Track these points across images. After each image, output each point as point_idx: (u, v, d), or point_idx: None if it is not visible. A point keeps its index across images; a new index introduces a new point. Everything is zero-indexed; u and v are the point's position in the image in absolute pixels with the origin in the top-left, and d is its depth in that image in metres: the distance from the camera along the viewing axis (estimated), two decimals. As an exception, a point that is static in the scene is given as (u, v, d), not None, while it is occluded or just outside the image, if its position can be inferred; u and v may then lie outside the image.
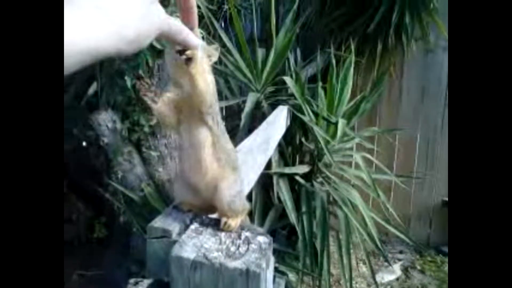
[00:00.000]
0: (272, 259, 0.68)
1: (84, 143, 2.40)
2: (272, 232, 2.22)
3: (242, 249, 0.63)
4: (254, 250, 0.63)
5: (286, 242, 2.27)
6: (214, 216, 0.74)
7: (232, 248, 0.63)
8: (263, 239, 0.66)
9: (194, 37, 0.57)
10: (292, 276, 2.34)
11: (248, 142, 1.26)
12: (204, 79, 0.65)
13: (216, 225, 0.70)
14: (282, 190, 2.11)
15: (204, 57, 0.64)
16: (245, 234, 0.67)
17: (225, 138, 0.73)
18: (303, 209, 2.17)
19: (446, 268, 2.86)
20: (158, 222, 0.68)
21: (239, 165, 0.79)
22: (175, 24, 0.53)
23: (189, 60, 0.61)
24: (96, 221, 2.80)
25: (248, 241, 0.65)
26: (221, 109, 2.33)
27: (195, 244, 0.63)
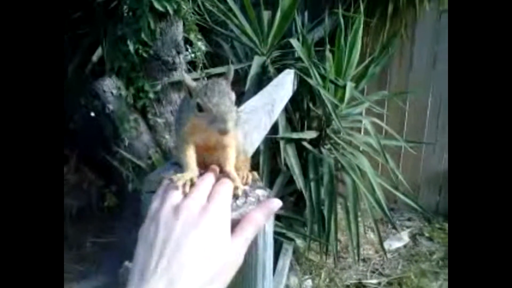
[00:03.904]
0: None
1: (92, 113, 2.39)
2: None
3: (240, 201, 0.61)
4: (251, 203, 0.61)
5: (294, 209, 2.27)
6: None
7: (229, 201, 0.61)
8: (261, 192, 0.64)
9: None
10: (299, 242, 2.36)
11: (252, 102, 1.23)
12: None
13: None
14: (290, 156, 2.08)
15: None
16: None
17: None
18: (311, 175, 2.15)
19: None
20: (154, 176, 0.66)
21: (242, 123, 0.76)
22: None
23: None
24: (107, 190, 2.83)
25: (246, 194, 0.63)
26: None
27: None
